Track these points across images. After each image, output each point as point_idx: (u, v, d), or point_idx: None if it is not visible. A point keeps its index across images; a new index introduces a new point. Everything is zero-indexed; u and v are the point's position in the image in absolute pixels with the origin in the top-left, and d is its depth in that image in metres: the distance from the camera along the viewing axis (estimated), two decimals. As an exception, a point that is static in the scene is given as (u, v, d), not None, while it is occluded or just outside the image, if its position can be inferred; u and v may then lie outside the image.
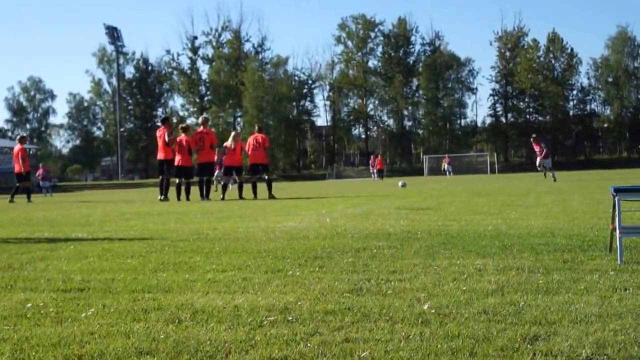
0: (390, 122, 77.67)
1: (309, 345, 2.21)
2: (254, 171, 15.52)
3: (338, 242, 5.18)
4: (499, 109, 74.19)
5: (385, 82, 74.80)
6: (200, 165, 14.98)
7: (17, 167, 18.51)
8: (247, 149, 15.44)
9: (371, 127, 79.29)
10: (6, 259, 4.61)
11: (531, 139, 23.24)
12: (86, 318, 2.69)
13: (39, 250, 5.08)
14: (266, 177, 15.32)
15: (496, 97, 73.77)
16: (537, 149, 22.42)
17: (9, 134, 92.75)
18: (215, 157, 16.23)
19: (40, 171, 32.95)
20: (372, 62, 77.43)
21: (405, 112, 76.08)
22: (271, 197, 14.65)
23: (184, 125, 15.43)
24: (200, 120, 15.68)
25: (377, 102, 77.80)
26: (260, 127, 16.28)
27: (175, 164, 14.87)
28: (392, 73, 74.16)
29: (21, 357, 2.13)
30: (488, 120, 75.70)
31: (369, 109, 77.44)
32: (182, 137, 14.95)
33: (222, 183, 15.88)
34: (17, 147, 18.62)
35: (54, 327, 2.53)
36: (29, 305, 2.96)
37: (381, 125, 78.10)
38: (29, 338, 2.37)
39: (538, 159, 22.45)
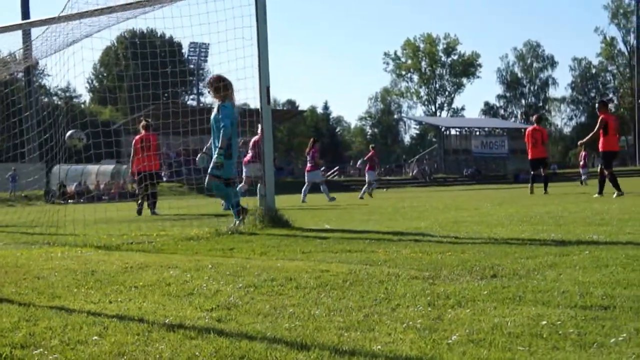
0: None
1: None
2: None
3: None
4: None
5: None
6: None
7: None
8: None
9: None
10: (510, 264, 4.94)
11: None
12: (616, 345, 2.69)
13: (548, 255, 5.30)
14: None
15: None
16: None
17: (502, 111, 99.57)
18: None
19: None
20: None
21: None
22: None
23: None
24: None
25: None
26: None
27: None
28: None
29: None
30: None
31: None
32: None
33: None
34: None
35: (577, 353, 2.60)
36: (544, 322, 3.10)
37: None
38: (550, 363, 2.48)
39: None
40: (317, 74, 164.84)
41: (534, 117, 22.39)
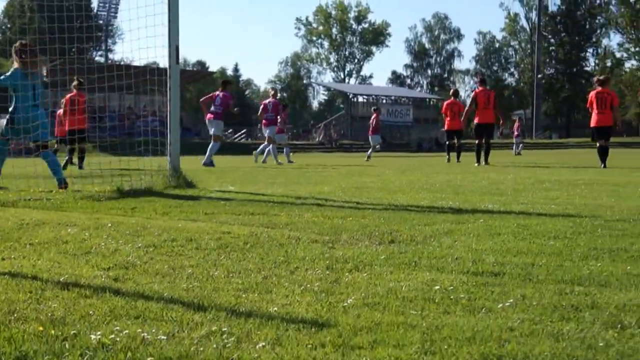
0: None
1: None
2: None
3: None
4: None
5: None
6: None
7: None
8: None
9: None
10: (408, 230, 5.03)
11: None
12: (503, 310, 2.77)
13: (444, 223, 5.42)
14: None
15: None
16: None
17: (408, 80, 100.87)
18: None
19: None
20: None
21: None
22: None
23: None
24: None
25: None
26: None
27: None
28: None
29: (432, 349, 2.30)
30: None
31: None
32: None
33: None
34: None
35: (466, 318, 2.67)
36: (437, 287, 3.17)
37: None
38: (440, 328, 2.53)
39: None
40: (229, 36, 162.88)
41: (451, 91, 23.22)
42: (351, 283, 3.29)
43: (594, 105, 15.95)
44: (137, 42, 9.44)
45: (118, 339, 2.38)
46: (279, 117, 21.06)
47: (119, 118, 39.44)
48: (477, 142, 18.02)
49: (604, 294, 3.01)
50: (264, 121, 20.75)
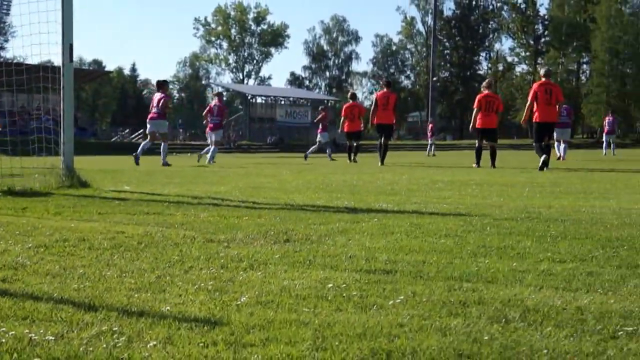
0: None
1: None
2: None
3: None
4: None
5: None
6: None
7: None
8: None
9: None
10: (303, 229, 5.06)
11: None
12: (394, 307, 2.83)
13: (339, 222, 5.48)
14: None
15: None
16: None
17: (307, 82, 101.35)
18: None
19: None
20: None
21: None
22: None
23: None
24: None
25: None
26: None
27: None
28: None
29: (323, 345, 2.32)
30: None
31: None
32: None
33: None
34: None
35: (357, 315, 2.71)
36: (330, 285, 3.20)
37: None
38: (331, 324, 2.56)
39: None
40: (126, 36, 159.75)
41: (349, 94, 24.00)
42: (245, 282, 3.28)
43: (482, 108, 16.58)
44: (30, 39, 9.13)
45: (4, 340, 2.31)
46: (224, 121, 21.20)
47: (11, 116, 38.18)
48: (378, 142, 18.81)
49: (490, 290, 3.11)
50: (210, 125, 20.41)
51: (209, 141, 20.89)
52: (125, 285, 3.18)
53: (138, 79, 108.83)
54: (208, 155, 19.97)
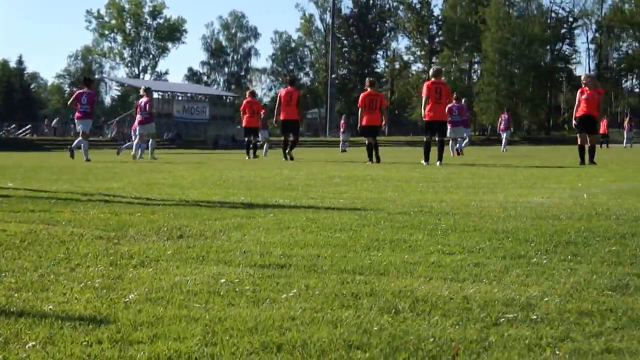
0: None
1: (557, 352, 2.17)
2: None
3: (598, 224, 4.96)
4: None
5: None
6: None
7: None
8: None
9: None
10: (198, 225, 4.99)
11: None
12: (287, 300, 2.82)
13: (235, 217, 5.43)
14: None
15: None
16: None
17: (205, 78, 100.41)
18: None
19: None
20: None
21: None
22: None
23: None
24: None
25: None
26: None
27: None
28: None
29: (213, 340, 2.28)
30: None
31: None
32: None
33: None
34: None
35: (249, 309, 2.69)
36: (223, 280, 3.17)
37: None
38: (222, 319, 2.53)
39: None
40: (12, 26, 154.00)
41: (248, 92, 24.15)
42: (135, 279, 3.21)
43: (366, 106, 16.94)
44: None
45: None
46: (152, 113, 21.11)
47: None
48: (283, 138, 19.48)
49: (382, 282, 3.14)
50: (139, 119, 20.36)
51: (133, 137, 21.22)
52: (4, 285, 3.05)
53: (25, 72, 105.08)
54: (149, 151, 20.34)
